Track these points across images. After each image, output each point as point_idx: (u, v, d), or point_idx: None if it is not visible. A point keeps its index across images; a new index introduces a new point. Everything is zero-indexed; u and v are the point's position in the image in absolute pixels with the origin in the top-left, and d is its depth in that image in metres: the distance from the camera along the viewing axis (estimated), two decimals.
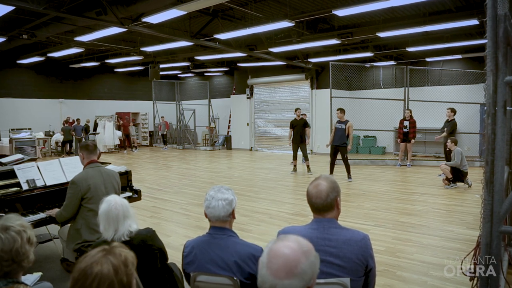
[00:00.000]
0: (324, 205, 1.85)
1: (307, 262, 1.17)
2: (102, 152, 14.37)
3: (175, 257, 3.08)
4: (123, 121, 17.14)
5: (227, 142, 17.82)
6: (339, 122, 8.84)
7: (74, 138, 15.25)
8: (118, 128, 17.13)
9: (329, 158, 9.14)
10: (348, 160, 8.85)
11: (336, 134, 8.79)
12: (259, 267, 1.18)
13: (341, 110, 8.88)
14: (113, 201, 2.27)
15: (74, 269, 1.18)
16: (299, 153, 9.99)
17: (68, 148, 15.23)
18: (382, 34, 9.30)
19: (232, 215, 2.02)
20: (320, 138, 14.29)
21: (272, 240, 1.22)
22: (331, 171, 9.04)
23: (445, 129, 9.54)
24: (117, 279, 1.15)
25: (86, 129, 15.67)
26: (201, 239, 2.04)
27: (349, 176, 8.73)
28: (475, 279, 2.49)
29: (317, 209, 1.87)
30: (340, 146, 8.74)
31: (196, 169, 11.27)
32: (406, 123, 10.69)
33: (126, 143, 17.19)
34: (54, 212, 3.32)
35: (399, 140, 11.00)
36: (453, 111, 9.52)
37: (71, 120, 15.54)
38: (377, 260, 1.98)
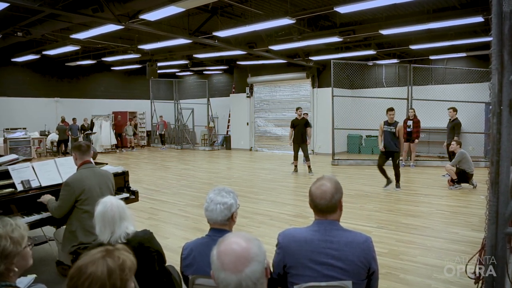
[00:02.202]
0: (328, 206, 1.85)
1: (254, 245, 1.23)
2: (98, 152, 14.38)
3: (173, 260, 3.07)
4: (116, 121, 17.21)
5: (226, 142, 17.82)
6: (387, 124, 7.74)
7: (70, 138, 15.26)
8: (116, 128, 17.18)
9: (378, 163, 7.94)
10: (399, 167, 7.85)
11: (386, 138, 7.73)
12: (215, 276, 1.22)
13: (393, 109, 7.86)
14: (109, 203, 2.27)
15: (73, 266, 1.21)
16: (300, 153, 9.99)
17: (63, 148, 15.22)
18: (385, 32, 9.30)
19: (231, 219, 2.01)
20: (321, 138, 14.28)
21: (213, 249, 1.25)
22: (386, 177, 7.82)
23: (456, 132, 9.20)
24: (110, 283, 1.17)
25: (82, 128, 15.66)
26: (200, 241, 2.04)
27: (397, 185, 7.74)
28: (480, 282, 2.49)
29: (320, 210, 1.86)
30: (393, 151, 7.66)
31: (194, 170, 11.27)
32: (410, 122, 10.68)
33: (122, 143, 17.24)
34: (47, 199, 3.30)
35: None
36: (455, 110, 9.50)
37: (67, 121, 15.53)
38: (379, 262, 1.98)
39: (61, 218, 3.20)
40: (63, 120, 15.37)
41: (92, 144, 12.89)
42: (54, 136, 15.38)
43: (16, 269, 1.60)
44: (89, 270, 1.17)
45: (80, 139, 14.90)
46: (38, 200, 3.37)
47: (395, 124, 7.71)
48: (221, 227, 2.00)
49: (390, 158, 7.77)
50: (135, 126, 18.12)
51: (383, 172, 7.80)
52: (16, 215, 3.34)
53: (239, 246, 1.21)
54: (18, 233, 1.61)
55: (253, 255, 1.20)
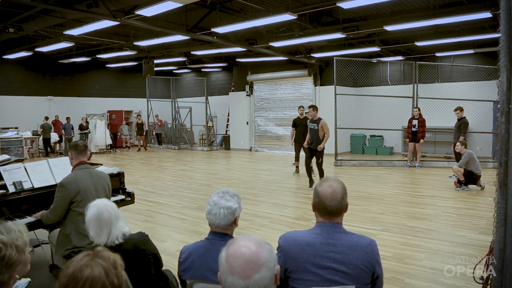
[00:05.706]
0: (339, 208, 1.85)
1: (265, 250, 1.22)
2: (92, 153, 14.37)
3: (170, 264, 3.08)
4: (111, 120, 17.17)
5: (225, 142, 17.82)
6: (311, 121, 8.24)
7: (63, 138, 15.25)
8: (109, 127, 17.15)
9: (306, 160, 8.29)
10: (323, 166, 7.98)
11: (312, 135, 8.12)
12: (222, 279, 1.21)
13: (313, 108, 8.24)
14: (102, 204, 2.28)
15: (61, 275, 1.19)
16: (302, 153, 9.97)
17: (48, 148, 15.08)
18: (389, 28, 9.30)
19: (234, 223, 2.02)
20: None
21: (222, 250, 1.25)
22: (309, 176, 8.25)
23: (462, 131, 9.25)
24: (109, 281, 1.18)
25: (80, 127, 15.63)
26: (199, 245, 2.04)
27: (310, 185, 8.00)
28: (488, 287, 2.49)
29: (330, 212, 1.85)
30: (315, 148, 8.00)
31: (192, 171, 11.27)
32: (415, 122, 10.68)
33: (115, 143, 17.23)
34: (39, 214, 3.31)
35: (407, 140, 11.00)
36: (462, 109, 9.49)
37: (60, 120, 15.51)
38: (384, 266, 1.98)
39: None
40: (47, 118, 15.29)
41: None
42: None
43: (17, 276, 1.61)
44: (85, 273, 1.16)
45: (75, 139, 14.89)
46: (34, 216, 3.39)
47: (318, 121, 8.09)
48: (222, 231, 2.00)
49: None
50: (142, 125, 17.83)
51: (309, 172, 8.22)
52: (8, 217, 3.35)
53: (248, 249, 1.21)
54: (22, 240, 1.59)
55: (263, 260, 1.19)
